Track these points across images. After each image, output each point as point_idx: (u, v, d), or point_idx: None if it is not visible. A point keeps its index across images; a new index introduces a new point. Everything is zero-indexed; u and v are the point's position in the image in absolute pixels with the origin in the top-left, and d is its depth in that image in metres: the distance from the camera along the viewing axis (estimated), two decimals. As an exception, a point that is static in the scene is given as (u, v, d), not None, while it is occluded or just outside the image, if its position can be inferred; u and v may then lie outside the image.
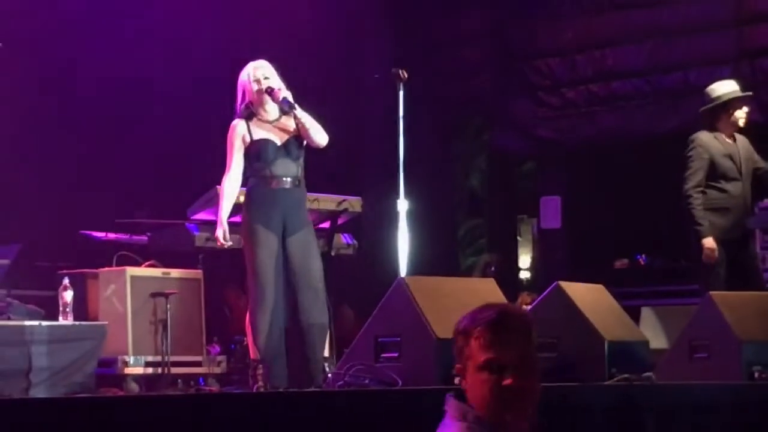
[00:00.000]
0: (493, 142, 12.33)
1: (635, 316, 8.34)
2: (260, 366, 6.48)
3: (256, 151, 6.69)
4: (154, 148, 10.02)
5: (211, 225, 8.41)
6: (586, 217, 11.68)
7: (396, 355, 5.64)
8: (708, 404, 5.85)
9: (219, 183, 8.25)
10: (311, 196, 7.26)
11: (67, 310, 7.41)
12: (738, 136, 7.92)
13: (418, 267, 7.29)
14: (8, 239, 8.09)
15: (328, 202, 8.06)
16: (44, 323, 7.19)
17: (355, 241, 8.64)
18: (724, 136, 7.86)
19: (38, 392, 6.77)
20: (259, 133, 6.73)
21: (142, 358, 7.85)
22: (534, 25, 11.86)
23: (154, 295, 7.93)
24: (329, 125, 6.88)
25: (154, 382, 7.80)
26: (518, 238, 12.51)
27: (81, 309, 7.79)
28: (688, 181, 7.76)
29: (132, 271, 8.02)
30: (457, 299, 5.76)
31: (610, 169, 11.46)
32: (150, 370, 7.85)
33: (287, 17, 10.95)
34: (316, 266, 6.69)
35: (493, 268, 10.92)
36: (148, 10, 10.32)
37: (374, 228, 9.74)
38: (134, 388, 7.70)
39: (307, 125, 6.73)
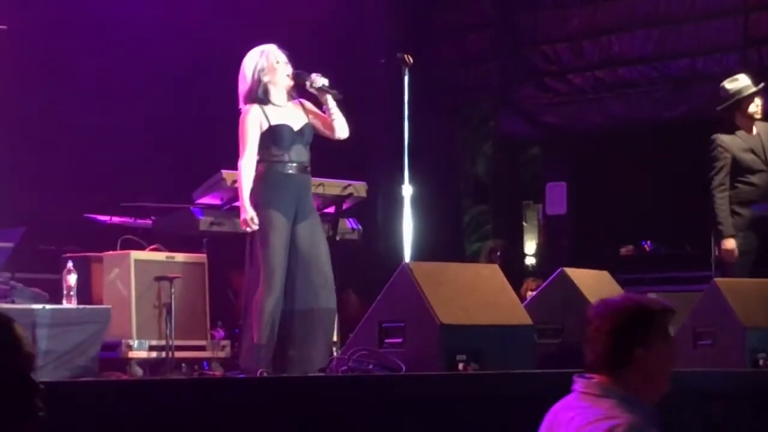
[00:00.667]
0: (499, 128, 12.30)
1: (640, 303, 8.32)
2: (263, 349, 6.49)
3: (272, 136, 6.67)
4: (159, 131, 10.01)
5: (216, 209, 8.41)
6: (591, 203, 11.66)
7: (400, 340, 5.63)
8: (712, 391, 5.84)
9: (224, 167, 8.26)
10: (316, 180, 7.26)
11: (71, 293, 7.41)
12: (760, 126, 8.04)
13: (423, 252, 7.29)
14: (12, 222, 8.09)
15: (333, 186, 8.05)
16: (48, 307, 7.19)
17: (360, 226, 8.63)
18: (743, 130, 7.98)
19: (42, 376, 6.69)
20: (275, 118, 6.71)
21: (146, 342, 7.85)
22: (541, 11, 11.83)
23: (158, 278, 7.93)
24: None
25: (158, 367, 7.81)
26: (524, 224, 12.49)
27: (85, 293, 7.79)
28: (712, 181, 7.95)
29: (136, 254, 8.02)
30: (462, 285, 5.76)
31: (615, 155, 11.44)
32: (154, 354, 7.85)
33: (293, 2, 10.92)
34: (325, 251, 6.70)
35: (498, 254, 10.90)
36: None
37: (379, 213, 9.74)
38: (138, 372, 7.70)
39: (336, 116, 6.75)
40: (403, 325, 5.65)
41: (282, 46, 6.87)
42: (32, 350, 2.66)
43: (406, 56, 7.06)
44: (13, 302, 7.26)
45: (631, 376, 3.23)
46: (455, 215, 12.44)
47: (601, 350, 3.24)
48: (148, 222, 8.79)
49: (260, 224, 6.59)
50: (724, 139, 8.00)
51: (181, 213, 8.46)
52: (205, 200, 8.35)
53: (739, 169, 7.97)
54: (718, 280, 6.88)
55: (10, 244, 7.84)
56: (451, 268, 6.11)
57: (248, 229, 6.63)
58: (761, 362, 6.48)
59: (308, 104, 6.89)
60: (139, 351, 7.81)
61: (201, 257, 8.33)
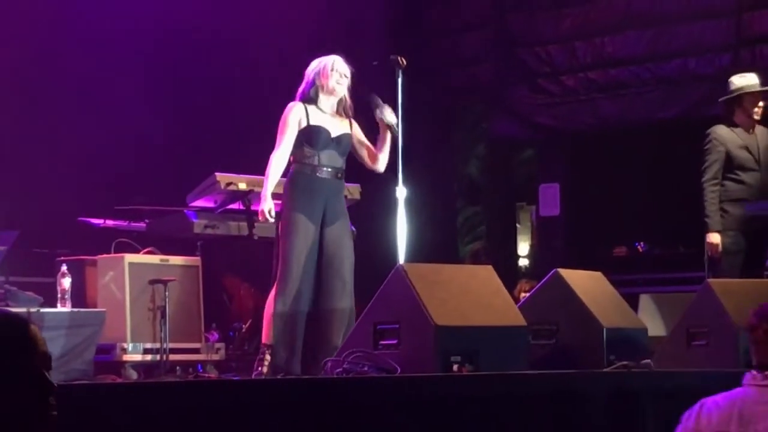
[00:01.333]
0: (492, 129, 12.30)
1: (634, 304, 8.34)
2: (269, 352, 6.52)
3: (308, 136, 6.72)
4: (153, 134, 10.01)
5: (210, 212, 8.42)
6: (585, 204, 11.67)
7: (395, 342, 5.63)
8: (706, 391, 5.84)
9: (217, 170, 8.27)
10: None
11: (66, 297, 7.41)
12: (759, 128, 8.05)
13: (417, 254, 7.28)
14: (6, 226, 8.09)
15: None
16: (42, 310, 7.19)
17: (354, 228, 8.62)
18: (741, 128, 7.98)
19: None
20: (316, 119, 6.76)
21: (141, 345, 7.86)
22: (534, 12, 11.83)
23: (152, 282, 7.93)
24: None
25: (153, 369, 7.81)
26: (517, 225, 12.51)
27: (79, 296, 7.80)
28: (703, 174, 7.93)
29: (130, 257, 8.02)
30: (456, 286, 5.76)
31: (609, 156, 11.46)
32: (148, 357, 7.86)
33: (286, 3, 10.92)
34: (349, 258, 6.75)
35: (483, 256, 10.91)
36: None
37: (373, 215, 9.73)
38: (133, 375, 7.70)
39: (385, 152, 6.85)
40: (398, 327, 5.64)
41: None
42: (47, 350, 2.68)
43: (399, 58, 7.08)
44: (7, 305, 7.27)
45: None
46: (449, 217, 12.44)
47: None
48: (142, 225, 8.80)
49: (285, 225, 6.64)
50: (720, 132, 7.96)
51: (175, 216, 8.47)
52: (199, 203, 8.35)
53: (731, 165, 7.93)
54: (711, 280, 6.88)
55: (4, 248, 7.84)
56: (446, 269, 6.11)
57: (270, 221, 6.68)
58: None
59: (357, 127, 6.96)
60: (133, 354, 7.81)
61: (195, 260, 8.34)
